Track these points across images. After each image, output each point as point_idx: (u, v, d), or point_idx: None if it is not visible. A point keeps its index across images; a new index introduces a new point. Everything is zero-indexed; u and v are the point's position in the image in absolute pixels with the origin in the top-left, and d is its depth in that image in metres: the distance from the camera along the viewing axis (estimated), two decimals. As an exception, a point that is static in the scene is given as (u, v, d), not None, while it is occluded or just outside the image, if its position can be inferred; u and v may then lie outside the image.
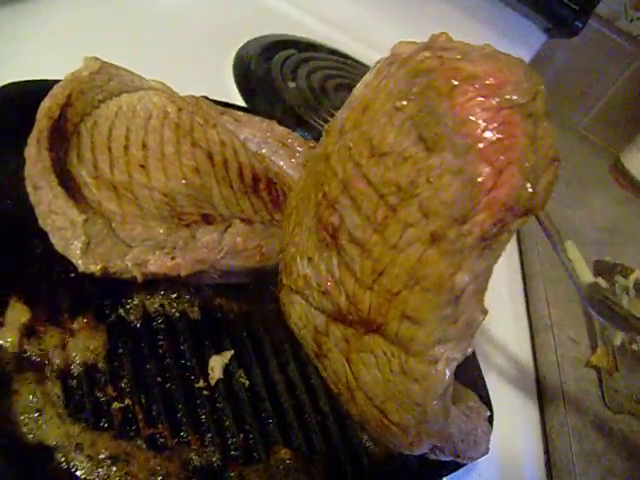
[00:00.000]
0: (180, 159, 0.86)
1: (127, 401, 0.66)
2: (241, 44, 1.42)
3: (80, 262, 0.70)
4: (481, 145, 0.51)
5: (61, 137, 0.79)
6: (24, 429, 0.59)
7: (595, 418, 1.03)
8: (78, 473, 0.58)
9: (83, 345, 0.68)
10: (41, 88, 0.83)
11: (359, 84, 0.66)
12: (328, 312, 0.69)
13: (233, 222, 0.79)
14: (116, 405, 0.65)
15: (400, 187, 0.56)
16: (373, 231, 0.60)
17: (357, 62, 1.69)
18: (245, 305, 0.84)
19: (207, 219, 0.78)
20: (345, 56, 1.69)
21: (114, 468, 0.60)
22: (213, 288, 0.82)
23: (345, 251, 0.63)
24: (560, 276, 1.30)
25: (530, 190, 0.51)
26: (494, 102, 0.51)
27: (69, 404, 0.62)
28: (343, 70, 1.61)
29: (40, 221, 0.74)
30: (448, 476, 0.80)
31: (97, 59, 0.87)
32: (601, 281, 1.26)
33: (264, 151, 0.99)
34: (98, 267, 0.71)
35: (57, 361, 0.65)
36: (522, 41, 1.79)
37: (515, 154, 0.51)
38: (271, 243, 0.82)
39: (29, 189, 0.75)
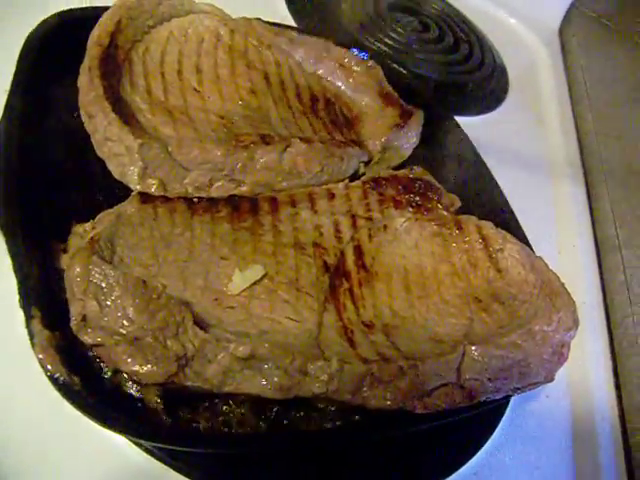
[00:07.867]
0: (235, 81, 0.79)
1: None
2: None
3: (138, 187, 0.65)
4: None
5: (113, 64, 0.73)
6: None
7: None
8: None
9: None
10: (90, 15, 0.77)
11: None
12: None
13: (292, 141, 0.72)
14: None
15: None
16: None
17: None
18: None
19: (265, 139, 0.71)
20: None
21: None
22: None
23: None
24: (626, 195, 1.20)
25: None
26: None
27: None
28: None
29: (96, 149, 0.68)
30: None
31: (145, -17, 0.80)
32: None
33: (321, 72, 0.90)
34: (156, 192, 0.66)
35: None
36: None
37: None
38: (332, 163, 0.75)
39: (83, 118, 0.70)
